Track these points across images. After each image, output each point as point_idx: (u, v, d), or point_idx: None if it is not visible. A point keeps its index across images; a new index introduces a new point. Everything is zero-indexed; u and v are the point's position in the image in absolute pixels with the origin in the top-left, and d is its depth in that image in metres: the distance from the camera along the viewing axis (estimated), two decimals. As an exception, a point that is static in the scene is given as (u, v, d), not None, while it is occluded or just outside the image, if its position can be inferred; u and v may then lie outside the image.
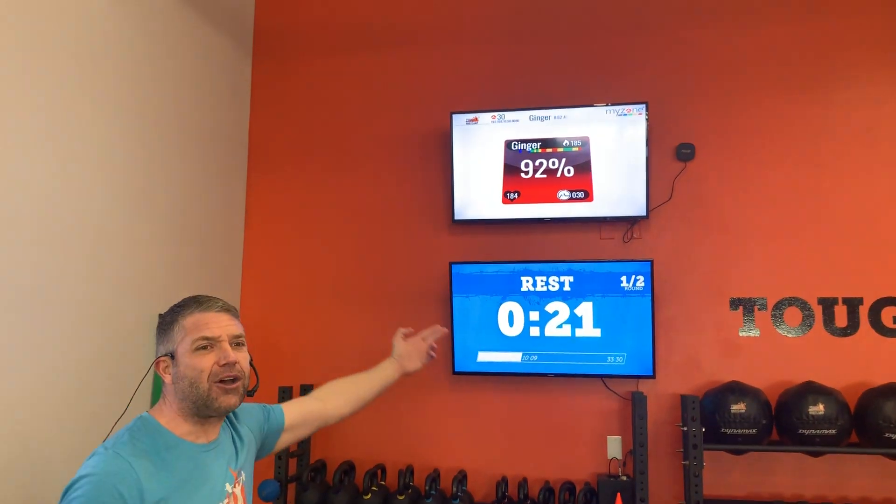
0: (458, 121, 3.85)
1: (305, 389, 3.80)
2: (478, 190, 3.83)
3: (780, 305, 3.59)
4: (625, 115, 3.70)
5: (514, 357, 3.67)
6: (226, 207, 4.01)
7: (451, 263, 3.72)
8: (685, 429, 3.29)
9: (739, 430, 3.24)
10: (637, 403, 3.43)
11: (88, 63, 3.02)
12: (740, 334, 3.61)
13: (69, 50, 2.91)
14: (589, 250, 3.79)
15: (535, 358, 3.65)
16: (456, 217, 3.85)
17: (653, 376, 3.52)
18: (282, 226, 4.13)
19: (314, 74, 4.19)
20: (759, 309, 3.61)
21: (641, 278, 3.55)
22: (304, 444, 3.74)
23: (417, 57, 4.09)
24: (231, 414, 1.98)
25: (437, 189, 3.97)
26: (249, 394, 1.86)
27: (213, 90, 3.94)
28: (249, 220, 4.17)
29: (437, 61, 4.07)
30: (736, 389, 3.34)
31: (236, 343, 1.82)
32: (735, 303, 3.63)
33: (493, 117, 3.83)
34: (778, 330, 3.58)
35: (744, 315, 3.62)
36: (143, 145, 3.34)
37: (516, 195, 3.79)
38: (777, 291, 3.60)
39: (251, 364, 1.88)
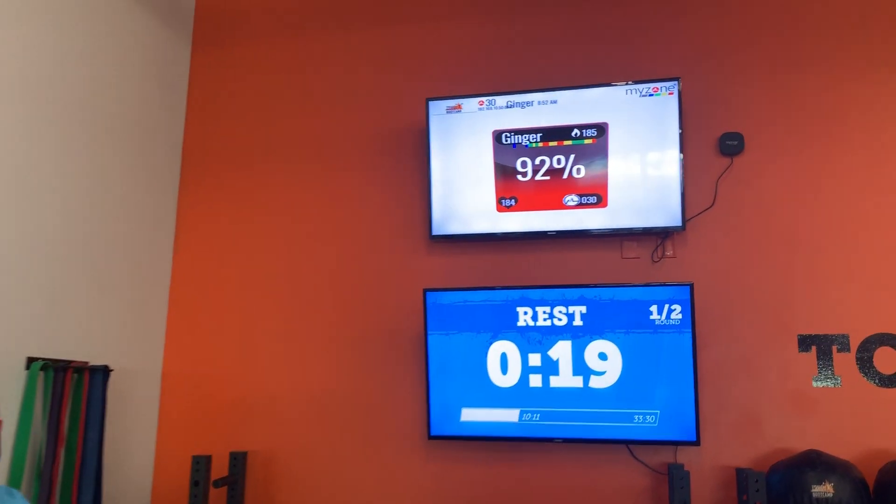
0: (437, 108, 3.01)
1: (237, 459, 2.90)
2: (462, 197, 2.97)
3: (867, 345, 2.65)
4: (650, 95, 2.83)
5: (510, 416, 2.75)
6: (149, 222, 3.17)
7: (425, 291, 2.83)
8: (746, 519, 2.34)
9: (826, 523, 2.28)
10: (676, 480, 2.51)
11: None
12: (814, 384, 2.66)
13: None
14: (608, 272, 2.89)
15: (538, 417, 2.73)
16: (434, 232, 2.98)
17: (696, 442, 2.58)
18: (219, 247, 3.27)
19: (263, 62, 3.39)
20: (838, 350, 2.67)
21: (678, 308, 2.63)
22: (231, 532, 2.82)
23: (387, 34, 3.28)
24: None
25: (411, 197, 3.11)
26: None
27: (141, 81, 3.15)
28: (180, 240, 3.32)
29: (410, 38, 3.25)
30: (817, 463, 2.39)
31: None
32: (805, 342, 2.70)
33: (481, 103, 2.98)
34: (866, 378, 2.63)
35: (818, 358, 2.68)
36: (44, 141, 2.56)
37: (513, 202, 2.92)
38: (863, 326, 2.67)
39: None
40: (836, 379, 2.65)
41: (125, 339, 3.01)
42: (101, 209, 2.90)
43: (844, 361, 2.66)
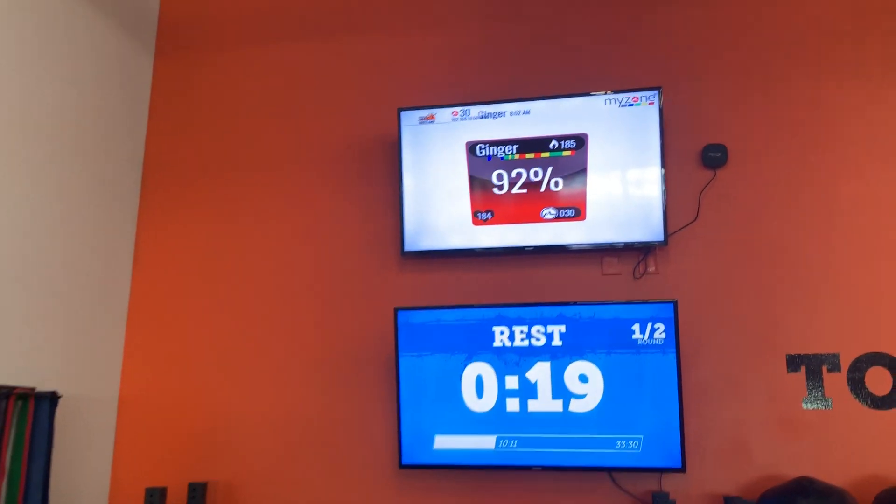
0: (409, 119, 2.88)
1: (196, 490, 2.71)
2: (436, 211, 2.83)
3: (858, 365, 2.53)
4: (630, 105, 2.72)
5: (486, 442, 2.60)
6: (107, 238, 2.99)
7: (396, 309, 2.68)
8: (736, 551, 2.20)
9: (821, 556, 2.14)
10: (662, 510, 2.35)
11: None
12: (804, 406, 2.54)
13: None
14: (588, 289, 2.76)
15: (515, 444, 2.58)
16: (406, 248, 2.84)
17: (682, 469, 2.44)
18: (181, 265, 3.10)
19: (229, 71, 3.25)
20: (829, 370, 2.55)
21: (661, 327, 2.50)
22: (189, 569, 2.63)
23: (358, 43, 3.15)
24: None
25: (383, 212, 2.97)
26: None
27: (102, 90, 3.00)
28: (139, 258, 3.15)
29: (383, 47, 3.12)
30: (810, 490, 2.25)
31: None
32: (794, 361, 2.58)
33: (455, 113, 2.86)
34: (858, 400, 2.51)
35: (808, 379, 2.56)
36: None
37: (489, 215, 2.78)
38: (854, 345, 2.55)
39: None
40: (826, 401, 2.53)
41: (78, 363, 2.83)
42: (55, 224, 2.72)
43: (835, 382, 2.54)
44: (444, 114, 2.86)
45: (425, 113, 2.87)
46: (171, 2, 3.37)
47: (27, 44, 2.64)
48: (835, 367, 2.54)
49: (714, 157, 2.75)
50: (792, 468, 2.46)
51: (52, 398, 2.55)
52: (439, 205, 2.83)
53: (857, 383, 2.52)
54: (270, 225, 3.05)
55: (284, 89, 3.16)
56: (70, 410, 2.72)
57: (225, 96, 3.22)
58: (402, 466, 2.64)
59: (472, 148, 2.82)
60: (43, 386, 2.58)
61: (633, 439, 2.49)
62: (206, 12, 3.32)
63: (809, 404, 2.54)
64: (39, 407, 2.51)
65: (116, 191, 3.09)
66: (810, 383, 2.55)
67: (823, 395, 2.53)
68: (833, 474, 2.40)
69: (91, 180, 2.93)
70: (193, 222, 3.12)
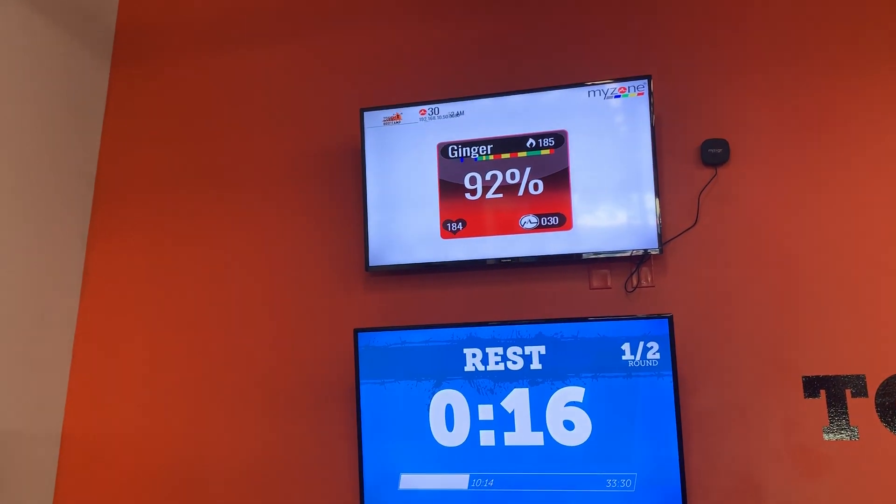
0: (372, 120, 2.61)
1: (134, 537, 2.41)
2: (404, 221, 2.54)
3: (888, 388, 2.17)
4: (617, 96, 2.42)
5: (458, 482, 2.27)
6: (53, 264, 2.73)
7: (356, 331, 2.38)
8: None
9: None
10: (659, 562, 2.00)
11: None
12: (826, 437, 2.18)
13: None
14: (575, 306, 2.43)
15: (491, 483, 2.25)
16: (371, 263, 2.54)
17: (684, 512, 2.08)
18: (133, 290, 2.83)
19: (185, 81, 3.00)
20: (853, 394, 2.19)
21: (655, 346, 2.17)
22: None
23: (319, 44, 2.88)
24: None
25: (346, 224, 2.68)
26: None
27: (52, 103, 2.76)
28: (88, 283, 2.88)
29: (345, 46, 2.86)
30: (834, 539, 1.89)
31: None
32: (812, 385, 2.22)
33: (423, 112, 2.57)
34: (889, 429, 2.15)
35: (829, 405, 2.20)
36: None
37: (460, 226, 2.48)
38: (882, 365, 2.20)
39: None
40: (852, 430, 2.17)
41: (14, 396, 2.55)
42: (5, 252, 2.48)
43: (861, 408, 2.18)
44: (411, 113, 2.58)
45: (390, 113, 2.59)
46: (129, 11, 3.15)
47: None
48: (860, 391, 2.18)
49: (714, 154, 2.43)
50: (813, 511, 2.10)
51: (-30, 435, 2.28)
52: (407, 215, 2.54)
53: (887, 409, 2.16)
54: (226, 243, 2.77)
55: (241, 98, 2.90)
56: (6, 449, 2.44)
57: (181, 107, 2.97)
58: (363, 510, 2.31)
59: (443, 150, 2.53)
60: (-38, 421, 2.32)
61: (626, 477, 2.15)
62: (164, 20, 3.09)
63: (832, 435, 2.17)
64: (-48, 445, 2.24)
65: (66, 209, 2.84)
66: (832, 410, 2.19)
67: (848, 424, 2.17)
68: (862, 518, 2.04)
69: (39, 199, 2.68)
70: (145, 243, 2.86)
